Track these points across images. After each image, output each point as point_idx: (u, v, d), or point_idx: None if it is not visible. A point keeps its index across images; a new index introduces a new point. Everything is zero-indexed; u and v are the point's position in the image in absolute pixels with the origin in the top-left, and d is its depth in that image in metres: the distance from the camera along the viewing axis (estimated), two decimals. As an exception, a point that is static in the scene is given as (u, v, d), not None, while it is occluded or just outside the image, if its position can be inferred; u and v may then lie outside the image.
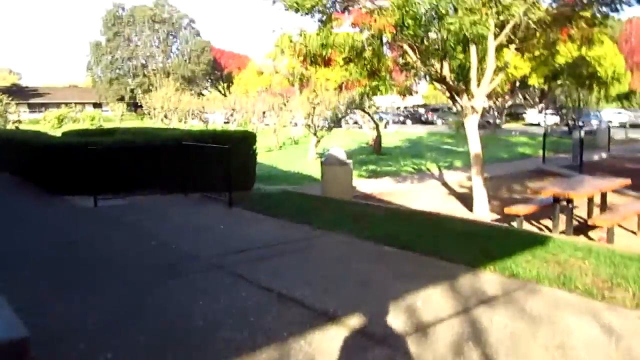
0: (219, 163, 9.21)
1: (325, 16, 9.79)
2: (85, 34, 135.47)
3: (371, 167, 18.71)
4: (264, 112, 32.81)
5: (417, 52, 9.56)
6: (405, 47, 9.53)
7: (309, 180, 15.81)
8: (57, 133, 16.99)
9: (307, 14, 10.10)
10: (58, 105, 65.62)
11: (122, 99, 70.42)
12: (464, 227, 7.16)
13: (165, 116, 38.08)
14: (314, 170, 18.14)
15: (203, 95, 70.20)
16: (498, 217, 9.99)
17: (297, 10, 9.74)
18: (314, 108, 23.15)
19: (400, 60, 10.70)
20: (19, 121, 31.52)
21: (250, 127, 39.94)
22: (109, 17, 72.95)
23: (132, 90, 72.84)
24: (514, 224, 8.53)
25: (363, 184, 14.18)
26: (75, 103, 69.85)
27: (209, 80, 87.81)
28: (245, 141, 11.39)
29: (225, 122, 51.36)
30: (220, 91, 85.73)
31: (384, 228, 6.95)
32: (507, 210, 8.78)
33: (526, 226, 8.75)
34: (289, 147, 30.03)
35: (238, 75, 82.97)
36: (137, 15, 73.00)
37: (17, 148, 12.00)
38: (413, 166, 18.83)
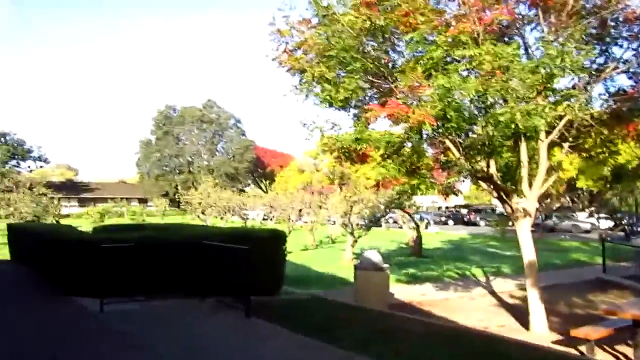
0: (240, 265, 8.32)
1: (359, 110, 9.27)
2: (137, 132, 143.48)
3: (411, 270, 17.38)
4: (300, 210, 32.28)
5: (460, 149, 8.75)
6: (447, 142, 8.75)
7: (343, 283, 14.66)
8: (91, 227, 16.75)
9: (340, 108, 9.61)
10: (106, 200, 67.56)
11: (166, 194, 72.05)
12: (523, 355, 5.85)
13: (203, 212, 38.05)
14: (349, 272, 17.00)
15: (244, 192, 71.18)
16: (559, 337, 8.51)
17: (330, 105, 9.24)
18: (351, 206, 22.36)
19: (442, 158, 9.89)
20: (60, 215, 32.06)
21: (288, 225, 39.47)
22: (160, 117, 76.94)
23: (176, 187, 74.64)
24: (583, 349, 7.10)
25: (401, 290, 12.91)
26: (122, 198, 71.75)
27: (252, 178, 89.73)
28: (273, 241, 10.54)
29: (264, 219, 51.20)
30: (261, 188, 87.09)
31: (422, 354, 5.73)
32: (574, 332, 7.37)
33: (598, 353, 7.27)
34: (326, 246, 29.05)
35: (280, 173, 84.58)
36: (186, 115, 76.76)
37: (37, 242, 11.53)
38: (456, 271, 17.39)
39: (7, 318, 7.74)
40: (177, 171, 77.28)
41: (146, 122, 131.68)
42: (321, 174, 78.40)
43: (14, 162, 73.19)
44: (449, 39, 6.79)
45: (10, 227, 15.02)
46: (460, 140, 8.32)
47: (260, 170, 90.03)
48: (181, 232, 10.86)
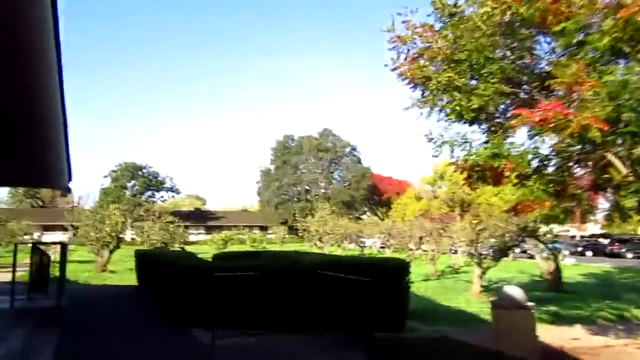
0: (360, 298, 7.37)
1: (491, 122, 7.99)
2: (258, 161, 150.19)
3: (552, 308, 15.15)
4: (421, 238, 30.64)
5: (627, 163, 7.05)
6: (609, 156, 7.11)
7: (475, 321, 13.02)
8: (213, 254, 16.85)
9: (470, 121, 8.37)
10: (230, 227, 70.63)
11: (285, 222, 73.72)
12: None
13: (320, 240, 37.80)
14: (479, 307, 15.21)
15: (361, 219, 70.67)
16: None
17: (459, 117, 8.05)
18: (478, 235, 20.48)
19: (599, 176, 8.18)
20: (186, 242, 33.56)
21: (406, 254, 37.84)
22: (279, 147, 79.64)
23: (294, 215, 76.14)
24: None
25: (546, 333, 11.01)
26: (244, 226, 74.61)
27: (368, 205, 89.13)
28: (395, 272, 9.50)
29: (381, 247, 49.98)
30: (378, 216, 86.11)
31: None
32: None
33: None
34: (449, 277, 27.11)
35: (396, 200, 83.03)
36: (304, 145, 78.65)
37: (156, 268, 11.53)
38: (610, 311, 14.84)
39: (118, 349, 7.45)
40: (296, 199, 79.00)
41: (265, 152, 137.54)
42: (439, 201, 75.71)
43: (149, 193, 79.60)
44: (621, 23, 5.35)
45: (137, 253, 15.52)
46: (632, 151, 6.64)
47: (376, 197, 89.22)
48: (297, 260, 10.18)
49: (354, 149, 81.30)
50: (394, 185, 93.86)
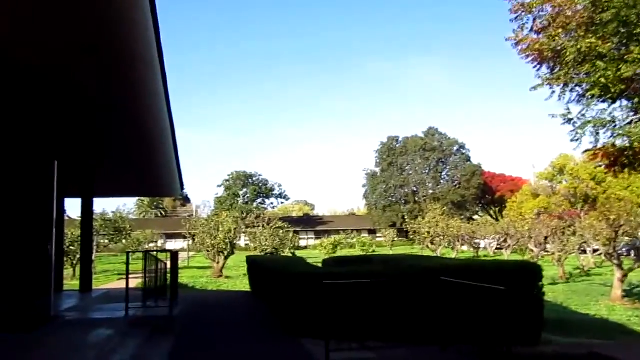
0: (488, 307, 6.39)
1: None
2: (362, 164, 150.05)
3: None
4: (546, 237, 28.16)
5: None
6: None
7: (622, 332, 11.28)
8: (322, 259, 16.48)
9: (618, 97, 7.03)
10: (338, 232, 70.94)
11: (394, 225, 72.48)
12: None
13: (432, 242, 36.25)
14: (625, 315, 13.31)
15: (473, 220, 67.44)
16: None
17: (604, 92, 6.76)
18: (616, 232, 18.13)
19: None
20: (296, 247, 33.84)
21: (527, 255, 35.11)
22: (384, 149, 78.54)
23: (403, 217, 74.72)
24: None
25: None
26: (352, 230, 74.54)
27: (480, 205, 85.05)
28: (528, 276, 8.32)
29: (497, 248, 47.18)
30: (491, 215, 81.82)
31: None
32: None
33: None
34: (579, 280, 24.54)
35: (511, 199, 78.29)
36: (409, 145, 76.84)
37: (266, 274, 11.26)
38: None
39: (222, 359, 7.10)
40: (403, 201, 77.40)
41: (370, 155, 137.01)
42: (559, 197, 70.10)
43: (259, 200, 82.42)
44: None
45: (248, 259, 15.54)
46: None
47: (488, 196, 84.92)
48: (413, 265, 9.31)
49: (462, 146, 77.79)
50: (507, 182, 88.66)
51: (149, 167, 12.42)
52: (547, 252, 37.35)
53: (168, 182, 13.71)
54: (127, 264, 8.29)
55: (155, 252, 9.54)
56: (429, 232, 35.26)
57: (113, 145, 10.81)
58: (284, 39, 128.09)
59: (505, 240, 46.72)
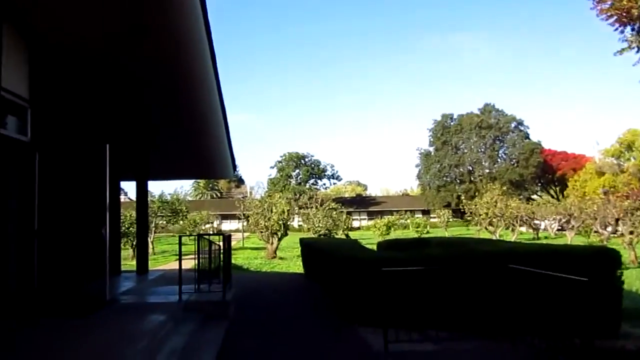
0: (562, 297, 5.82)
1: None
2: (415, 143, 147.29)
3: None
4: (617, 219, 26.51)
5: None
6: None
7: None
8: (378, 240, 16.00)
9: None
10: (391, 212, 70.20)
11: (448, 205, 70.88)
12: None
13: (490, 223, 34.91)
14: None
15: (532, 200, 64.89)
16: None
17: None
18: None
19: None
20: (350, 228, 33.56)
21: (593, 238, 33.36)
22: (438, 128, 76.56)
23: (458, 197, 72.87)
24: None
25: None
26: (406, 210, 73.59)
27: (539, 184, 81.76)
28: (606, 263, 7.61)
29: (558, 230, 45.18)
30: (551, 195, 78.52)
31: None
32: None
33: None
34: (653, 264, 22.99)
35: (573, 177, 74.77)
36: (464, 123, 74.51)
37: (319, 257, 10.95)
38: None
39: (282, 350, 6.82)
40: (458, 181, 75.43)
41: (424, 133, 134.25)
42: (627, 175, 66.20)
43: (312, 181, 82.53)
44: None
45: (301, 241, 15.32)
46: None
47: (548, 175, 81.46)
48: (475, 249, 8.73)
49: (520, 123, 74.57)
50: (568, 160, 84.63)
51: (201, 149, 12.36)
52: (614, 234, 35.37)
53: (221, 163, 13.64)
54: (180, 248, 8.17)
55: (208, 235, 9.38)
56: (487, 213, 33.91)
57: (165, 127, 10.76)
58: (335, 21, 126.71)
59: (567, 221, 44.68)
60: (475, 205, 35.85)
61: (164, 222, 33.11)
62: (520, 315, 6.53)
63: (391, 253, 8.12)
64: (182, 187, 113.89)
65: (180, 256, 8.14)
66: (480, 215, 34.79)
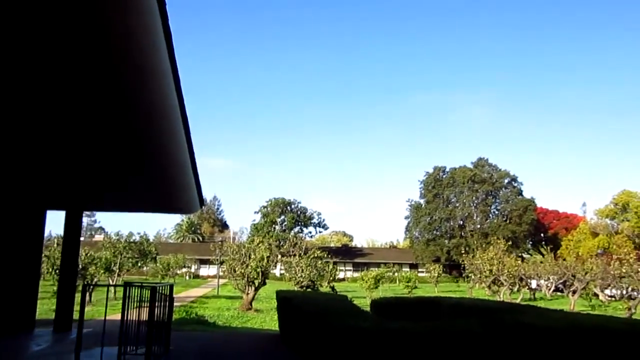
0: None
1: None
2: (403, 196, 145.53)
3: None
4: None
5: None
6: None
7: None
8: (371, 297, 13.05)
9: None
10: (378, 265, 67.16)
11: (437, 260, 68.04)
12: None
13: (494, 282, 31.80)
14: None
15: (523, 258, 62.34)
16: None
17: None
18: None
19: None
20: (334, 280, 30.58)
21: (595, 302, 30.89)
22: (429, 180, 74.61)
23: (448, 252, 70.21)
24: None
25: None
26: (393, 263, 70.65)
27: (530, 242, 79.46)
28: None
29: (556, 291, 42.58)
30: (542, 254, 76.05)
31: None
32: None
33: None
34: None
35: (567, 237, 72.66)
36: (456, 176, 72.73)
37: (303, 320, 8.16)
38: None
39: None
40: (449, 235, 72.85)
41: (412, 187, 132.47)
42: (622, 237, 64.28)
43: (297, 228, 79.51)
44: None
45: (278, 296, 12.48)
46: None
47: (540, 233, 79.33)
48: (519, 321, 6.04)
49: (514, 179, 72.95)
50: (561, 219, 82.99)
51: (156, 175, 9.78)
52: (612, 297, 32.94)
53: (184, 195, 10.99)
54: (107, 299, 5.44)
55: (147, 286, 6.66)
56: (491, 270, 30.89)
57: (103, 138, 8.21)
58: (327, 68, 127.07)
59: (564, 283, 42.10)
60: (479, 261, 32.66)
61: (130, 264, 29.90)
62: None
63: (406, 324, 5.40)
64: (165, 229, 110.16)
65: (106, 310, 5.46)
66: (484, 272, 31.60)
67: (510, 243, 44.18)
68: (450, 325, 5.13)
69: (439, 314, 9.51)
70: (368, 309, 12.03)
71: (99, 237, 65.23)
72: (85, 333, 9.08)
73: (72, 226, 9.18)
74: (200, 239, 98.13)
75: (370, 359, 4.87)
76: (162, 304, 6.78)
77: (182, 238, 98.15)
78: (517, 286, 33.53)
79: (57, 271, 21.86)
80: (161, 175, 9.79)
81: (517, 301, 27.23)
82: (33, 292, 8.90)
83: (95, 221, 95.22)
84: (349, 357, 5.14)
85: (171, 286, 6.97)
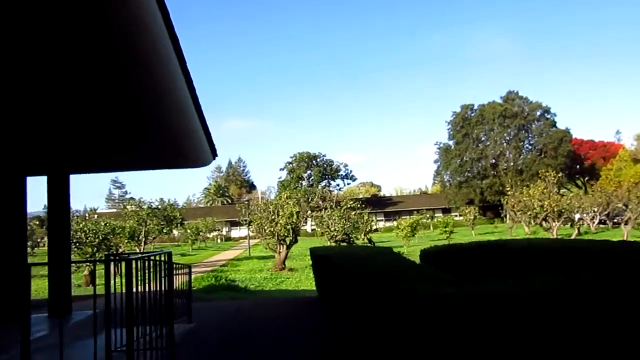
0: None
1: None
2: (430, 139, 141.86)
3: None
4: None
5: None
6: None
7: None
8: (409, 245, 11.37)
9: None
10: (410, 212, 65.54)
11: (471, 202, 65.92)
12: None
13: (545, 219, 29.24)
14: None
15: (559, 192, 59.69)
16: None
17: None
18: None
19: None
20: (370, 231, 29.07)
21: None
22: (457, 120, 71.48)
23: (481, 193, 67.95)
24: None
25: None
26: (426, 209, 68.94)
27: (566, 175, 76.38)
28: None
29: (601, 223, 40.51)
30: (578, 186, 73.20)
31: None
32: None
33: None
34: None
35: (606, 166, 69.44)
36: (486, 113, 69.38)
37: (348, 282, 6.54)
38: None
39: None
40: (481, 176, 70.22)
41: (439, 131, 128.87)
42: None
43: (324, 182, 78.06)
44: None
45: (312, 253, 10.91)
46: None
47: (577, 165, 75.97)
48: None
49: (546, 110, 68.89)
50: (597, 149, 79.14)
51: (153, 122, 8.10)
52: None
53: (190, 143, 9.31)
54: (107, 273, 3.83)
55: (135, 255, 5.01)
56: (542, 207, 28.51)
57: (85, 85, 6.51)
58: (345, 18, 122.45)
59: (608, 215, 39.84)
60: (528, 197, 29.97)
61: (157, 231, 28.86)
62: None
63: (498, 286, 3.65)
64: (194, 195, 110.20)
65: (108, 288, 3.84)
66: (534, 209, 28.91)
67: (560, 175, 41.29)
68: (558, 282, 3.34)
69: (508, 263, 7.73)
70: (413, 259, 10.37)
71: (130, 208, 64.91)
72: (89, 316, 7.68)
73: (58, 192, 7.62)
74: (229, 201, 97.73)
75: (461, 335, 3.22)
76: (158, 275, 5.19)
77: (211, 202, 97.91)
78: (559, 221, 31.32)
79: (78, 244, 20.82)
80: (159, 122, 8.09)
81: (573, 237, 25.32)
82: (26, 273, 7.48)
83: (126, 192, 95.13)
84: (432, 331, 3.50)
85: (169, 254, 5.36)
